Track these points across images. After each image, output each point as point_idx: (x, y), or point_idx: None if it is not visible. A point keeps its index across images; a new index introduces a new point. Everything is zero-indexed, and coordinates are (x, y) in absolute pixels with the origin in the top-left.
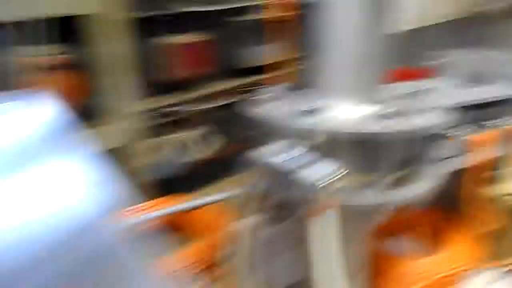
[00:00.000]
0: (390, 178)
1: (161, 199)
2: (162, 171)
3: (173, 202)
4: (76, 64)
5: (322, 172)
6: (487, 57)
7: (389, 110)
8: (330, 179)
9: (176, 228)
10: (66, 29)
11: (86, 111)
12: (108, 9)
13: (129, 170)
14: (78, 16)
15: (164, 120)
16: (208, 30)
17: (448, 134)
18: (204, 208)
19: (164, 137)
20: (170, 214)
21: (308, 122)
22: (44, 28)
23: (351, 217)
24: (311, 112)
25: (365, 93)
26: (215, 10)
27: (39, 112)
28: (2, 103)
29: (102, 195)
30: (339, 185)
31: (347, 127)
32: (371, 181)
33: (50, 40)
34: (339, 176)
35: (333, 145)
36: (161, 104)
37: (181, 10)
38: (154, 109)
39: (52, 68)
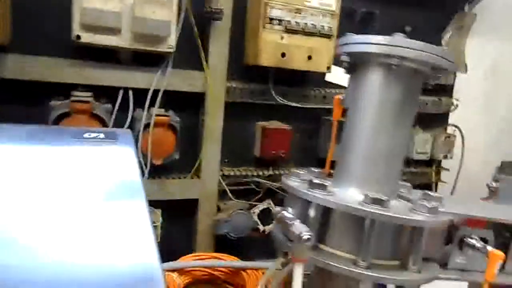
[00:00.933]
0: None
1: (218, 254)
2: (228, 230)
3: (227, 258)
4: (175, 126)
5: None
6: None
7: (393, 201)
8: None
9: (226, 283)
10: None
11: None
12: (217, 91)
13: (199, 221)
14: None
15: (241, 187)
16: (295, 121)
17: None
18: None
19: (238, 201)
20: (221, 268)
21: (313, 194)
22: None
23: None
24: (320, 187)
25: (375, 185)
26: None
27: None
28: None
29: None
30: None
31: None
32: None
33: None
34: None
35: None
36: (241, 173)
37: (277, 103)
38: (233, 176)
39: (155, 125)
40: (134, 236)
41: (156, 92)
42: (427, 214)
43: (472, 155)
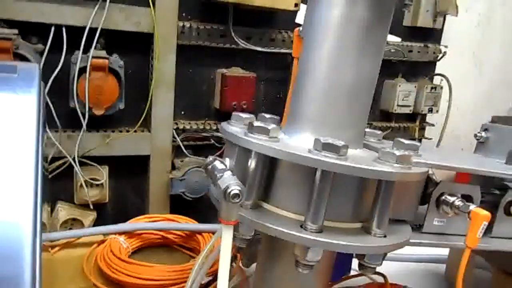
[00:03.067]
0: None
1: (172, 215)
2: (183, 189)
3: (182, 220)
4: (118, 71)
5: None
6: None
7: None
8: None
9: (180, 246)
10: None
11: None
12: (167, 31)
13: (151, 180)
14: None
15: (196, 143)
16: (260, 68)
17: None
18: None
19: (195, 158)
20: (174, 231)
21: (251, 140)
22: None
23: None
24: (262, 132)
25: (333, 129)
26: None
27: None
28: None
29: None
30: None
31: (283, 152)
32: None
33: (103, 48)
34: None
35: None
36: (198, 127)
37: (238, 47)
38: (190, 130)
39: (93, 69)
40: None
41: (95, 31)
42: (396, 165)
43: (460, 110)
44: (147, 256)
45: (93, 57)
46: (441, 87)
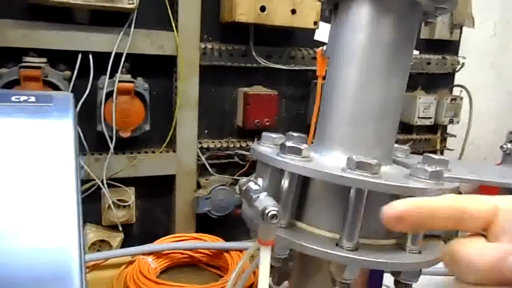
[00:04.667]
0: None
1: (198, 234)
2: (209, 208)
3: (209, 239)
4: (143, 93)
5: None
6: None
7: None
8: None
9: (207, 265)
10: (147, 65)
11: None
12: (190, 53)
13: (177, 199)
14: (161, 55)
15: (221, 161)
16: (281, 85)
17: None
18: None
19: (220, 176)
20: (201, 250)
21: (284, 160)
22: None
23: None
24: (294, 152)
25: (363, 148)
26: (290, 69)
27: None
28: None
29: None
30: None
31: (317, 171)
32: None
33: (128, 72)
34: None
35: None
36: (222, 146)
37: (258, 65)
38: (214, 149)
39: (120, 93)
40: (52, 222)
41: (121, 56)
42: (429, 181)
43: (481, 119)
44: (175, 276)
45: (119, 81)
46: (461, 98)
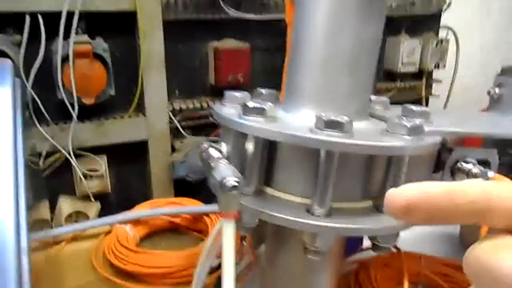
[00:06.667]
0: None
1: (177, 199)
2: (186, 172)
3: (188, 203)
4: (103, 55)
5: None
6: None
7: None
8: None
9: (188, 229)
10: (106, 23)
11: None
12: (151, 7)
13: (152, 165)
14: (119, 12)
15: (195, 122)
16: (254, 38)
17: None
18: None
19: (194, 138)
20: (181, 215)
21: (247, 122)
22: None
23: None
24: (258, 112)
25: (335, 102)
26: (263, 19)
27: None
28: None
29: None
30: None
31: (280, 133)
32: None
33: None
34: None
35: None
36: (194, 106)
37: (227, 17)
38: (186, 110)
39: (76, 56)
40: None
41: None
42: (407, 137)
43: (468, 62)
44: (156, 242)
45: (74, 42)
46: (447, 41)
